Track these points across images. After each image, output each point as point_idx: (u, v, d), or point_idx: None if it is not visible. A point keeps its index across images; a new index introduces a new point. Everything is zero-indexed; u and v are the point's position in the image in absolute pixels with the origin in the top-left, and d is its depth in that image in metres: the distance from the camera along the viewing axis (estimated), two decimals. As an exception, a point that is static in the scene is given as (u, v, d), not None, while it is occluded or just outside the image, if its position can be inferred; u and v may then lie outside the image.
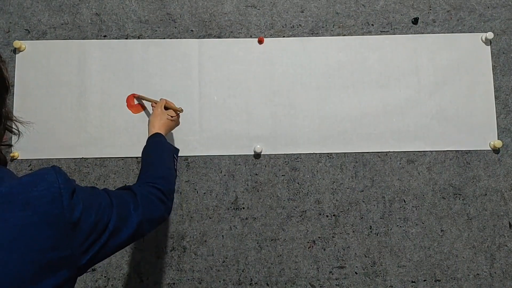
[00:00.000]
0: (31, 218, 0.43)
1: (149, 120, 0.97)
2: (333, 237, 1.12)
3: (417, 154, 1.15)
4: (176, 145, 1.13)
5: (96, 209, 0.53)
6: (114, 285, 1.09)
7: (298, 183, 1.14)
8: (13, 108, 1.13)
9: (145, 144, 0.89)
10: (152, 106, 1.06)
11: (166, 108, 1.00)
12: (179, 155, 0.93)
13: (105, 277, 1.09)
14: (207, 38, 1.18)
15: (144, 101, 1.15)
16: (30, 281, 0.42)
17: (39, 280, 0.43)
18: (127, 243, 0.59)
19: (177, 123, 1.02)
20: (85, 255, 0.50)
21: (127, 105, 1.15)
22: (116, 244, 0.56)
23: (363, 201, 1.13)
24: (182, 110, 1.02)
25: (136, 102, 1.15)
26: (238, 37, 1.18)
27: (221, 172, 1.14)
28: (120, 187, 0.70)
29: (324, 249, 1.12)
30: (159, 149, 0.86)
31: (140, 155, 0.87)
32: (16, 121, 0.56)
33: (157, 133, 0.91)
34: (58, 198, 0.46)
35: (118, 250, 0.58)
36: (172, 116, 0.98)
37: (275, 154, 1.15)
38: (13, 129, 0.56)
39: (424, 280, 1.11)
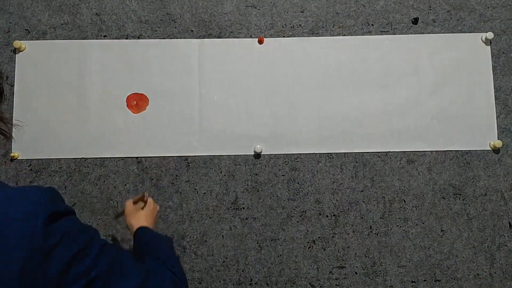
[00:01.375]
0: (3, 232, 0.40)
1: (126, 225, 0.84)
2: (333, 237, 1.12)
3: (417, 154, 1.15)
4: (176, 144, 1.13)
5: (79, 245, 0.45)
6: (114, 285, 1.09)
7: (298, 183, 1.14)
8: (13, 108, 1.13)
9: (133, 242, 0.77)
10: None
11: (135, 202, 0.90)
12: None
13: (105, 277, 1.09)
14: (207, 38, 1.18)
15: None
16: None
17: None
18: None
19: (154, 207, 0.89)
20: None
21: (127, 105, 1.15)
22: None
23: (363, 201, 1.13)
24: (147, 195, 0.90)
25: (135, 102, 1.15)
26: (238, 37, 1.18)
27: (221, 172, 1.14)
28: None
29: (324, 249, 1.12)
30: (156, 238, 0.75)
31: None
32: (8, 123, 0.54)
33: (141, 228, 0.78)
34: (32, 218, 0.42)
35: None
36: (142, 207, 0.87)
37: (275, 154, 1.15)
38: (4, 132, 0.53)
39: (424, 280, 1.11)
